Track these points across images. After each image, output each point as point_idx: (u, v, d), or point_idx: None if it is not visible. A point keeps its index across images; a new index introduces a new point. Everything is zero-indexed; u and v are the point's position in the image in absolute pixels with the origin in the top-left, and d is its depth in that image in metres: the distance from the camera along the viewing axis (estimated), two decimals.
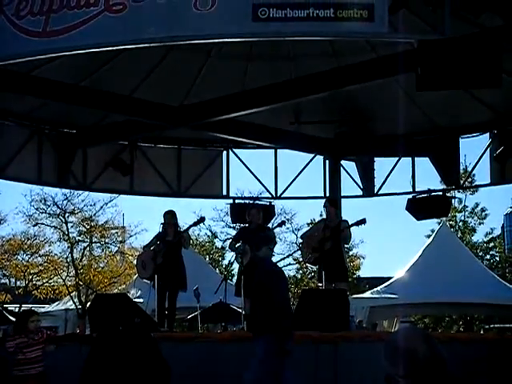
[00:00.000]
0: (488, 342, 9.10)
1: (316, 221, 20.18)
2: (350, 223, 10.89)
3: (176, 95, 13.09)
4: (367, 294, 20.59)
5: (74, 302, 26.56)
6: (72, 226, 29.56)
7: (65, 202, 28.61)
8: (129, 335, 3.34)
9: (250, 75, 13.15)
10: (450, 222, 30.85)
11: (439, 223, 25.35)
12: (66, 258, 29.54)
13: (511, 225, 52.24)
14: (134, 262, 28.24)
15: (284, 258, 33.55)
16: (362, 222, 10.73)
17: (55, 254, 29.76)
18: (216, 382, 8.48)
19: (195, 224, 11.14)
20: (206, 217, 11.63)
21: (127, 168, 14.41)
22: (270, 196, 15.53)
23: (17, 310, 26.56)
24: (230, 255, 32.83)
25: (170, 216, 10.80)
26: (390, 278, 20.88)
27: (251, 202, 15.20)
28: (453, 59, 8.01)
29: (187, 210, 30.96)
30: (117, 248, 30.77)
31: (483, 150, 14.47)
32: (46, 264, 29.42)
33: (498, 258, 32.96)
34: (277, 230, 14.54)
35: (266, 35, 8.38)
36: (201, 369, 8.44)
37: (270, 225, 14.75)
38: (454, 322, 28.99)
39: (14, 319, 20.49)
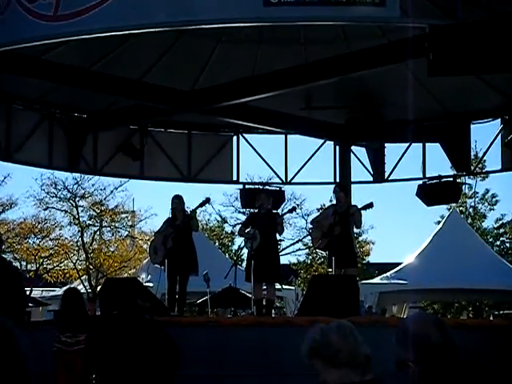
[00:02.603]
0: (497, 328, 9.10)
1: (326, 206, 20.17)
2: (358, 208, 10.89)
3: (186, 80, 13.07)
4: (377, 280, 20.61)
5: (84, 286, 26.70)
6: (82, 210, 29.67)
7: (75, 186, 28.70)
8: (129, 318, 3.34)
9: (261, 60, 13.11)
10: (460, 208, 30.74)
11: (449, 209, 25.29)
12: (77, 241, 29.66)
13: None
14: (144, 246, 28.45)
15: (294, 244, 33.62)
16: (370, 205, 10.73)
17: (66, 238, 29.90)
18: (226, 367, 8.52)
19: (201, 205, 11.17)
20: (212, 199, 11.68)
21: (137, 153, 14.42)
22: (279, 181, 15.52)
23: (27, 293, 26.72)
24: (239, 240, 32.90)
25: (178, 201, 10.82)
26: (399, 264, 20.88)
27: (261, 187, 15.21)
28: (465, 44, 7.96)
29: (197, 194, 30.90)
30: (127, 232, 30.87)
31: (494, 136, 14.42)
32: (56, 248, 29.55)
33: (508, 245, 32.87)
34: (287, 216, 14.53)
35: (277, 20, 8.36)
36: (210, 353, 8.48)
37: (279, 210, 14.77)
38: (464, 308, 28.97)
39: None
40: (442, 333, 2.55)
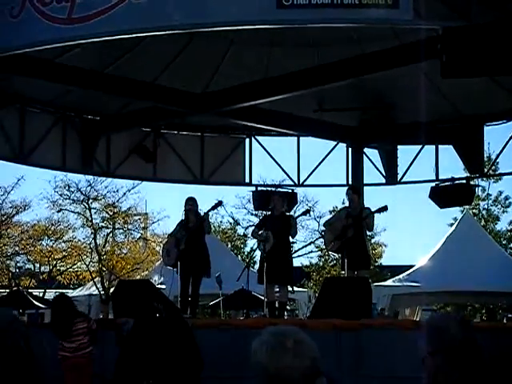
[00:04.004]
0: (511, 330, 9.05)
1: (338, 208, 20.14)
2: (372, 210, 10.87)
3: (199, 82, 13.10)
4: (389, 282, 20.55)
5: (97, 288, 26.77)
6: (95, 213, 29.72)
7: (88, 188, 28.75)
8: (167, 323, 3.35)
9: (273, 62, 13.12)
10: (473, 211, 30.60)
11: (462, 211, 25.19)
12: (90, 243, 29.74)
13: None
14: (157, 248, 28.47)
15: (306, 246, 33.58)
16: (384, 209, 10.70)
17: (79, 240, 29.98)
18: (238, 369, 8.52)
19: (213, 208, 11.18)
20: (225, 201, 11.69)
21: (150, 155, 14.47)
22: (292, 183, 15.53)
23: (41, 294, 26.84)
24: (252, 242, 32.90)
25: (192, 203, 10.84)
26: (412, 266, 20.81)
27: (274, 189, 15.22)
28: (478, 46, 7.93)
29: (210, 196, 30.94)
30: (139, 234, 30.92)
31: (508, 138, 14.36)
32: (69, 250, 29.64)
33: None
34: (300, 218, 14.50)
35: (290, 22, 8.36)
36: (223, 355, 8.48)
37: (292, 212, 14.77)
38: (477, 310, 28.84)
39: (38, 304, 20.72)
40: (462, 329, 2.51)
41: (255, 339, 2.58)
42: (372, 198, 14.43)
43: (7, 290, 26.44)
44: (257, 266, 11.47)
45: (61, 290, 26.69)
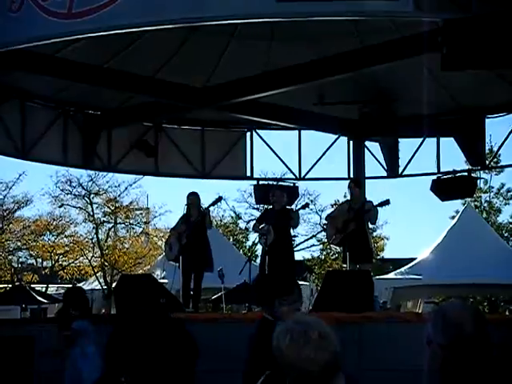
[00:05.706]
0: None
1: (340, 202, 20.12)
2: (374, 204, 10.87)
3: (200, 76, 13.08)
4: (391, 275, 20.56)
5: (99, 283, 26.84)
6: (97, 207, 29.81)
7: (90, 183, 28.84)
8: (152, 315, 3.34)
9: (274, 56, 13.10)
10: (475, 203, 30.62)
11: (464, 204, 25.19)
12: (92, 238, 29.81)
13: None
14: (159, 242, 28.52)
15: (308, 239, 33.61)
16: (386, 202, 10.71)
17: (81, 235, 30.06)
18: (241, 363, 8.52)
19: (213, 204, 11.24)
20: (226, 195, 11.77)
21: (152, 149, 14.47)
22: (293, 177, 15.52)
23: (43, 289, 26.90)
24: (253, 236, 32.92)
25: (194, 197, 10.86)
26: (413, 259, 20.82)
27: (275, 183, 15.22)
28: (479, 38, 7.90)
29: (211, 191, 30.90)
30: (141, 229, 30.98)
31: (509, 130, 14.35)
32: (71, 245, 29.72)
33: None
34: (301, 212, 14.50)
35: (290, 15, 8.34)
36: (225, 349, 8.49)
37: (293, 206, 14.77)
38: (479, 303, 28.86)
39: (41, 299, 20.75)
40: (476, 325, 2.52)
41: (279, 325, 2.51)
42: (373, 191, 14.44)
43: (10, 285, 26.52)
44: (259, 260, 11.49)
45: (63, 285, 26.78)
